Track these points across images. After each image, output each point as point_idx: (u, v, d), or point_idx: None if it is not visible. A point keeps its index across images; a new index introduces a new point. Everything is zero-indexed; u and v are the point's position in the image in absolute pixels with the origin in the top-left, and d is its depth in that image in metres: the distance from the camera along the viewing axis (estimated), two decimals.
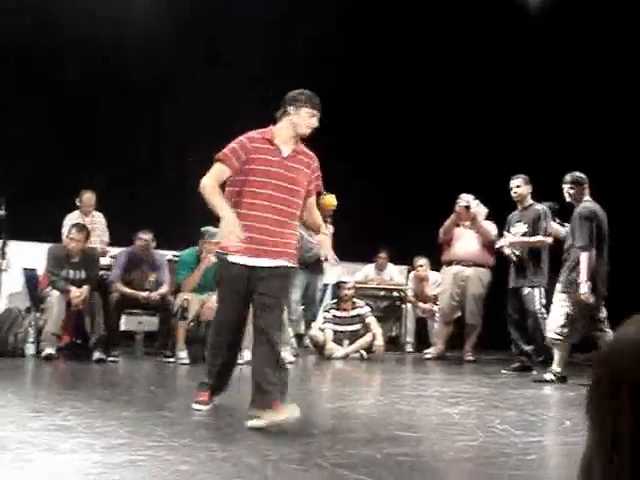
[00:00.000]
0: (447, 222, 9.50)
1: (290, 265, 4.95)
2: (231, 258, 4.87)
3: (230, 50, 10.68)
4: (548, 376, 7.44)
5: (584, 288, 7.14)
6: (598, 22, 10.65)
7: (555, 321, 7.39)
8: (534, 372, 8.15)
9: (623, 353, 0.77)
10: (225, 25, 10.69)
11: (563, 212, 8.28)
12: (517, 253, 8.37)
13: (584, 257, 7.18)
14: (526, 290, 8.37)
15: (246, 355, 8.34)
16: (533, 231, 8.39)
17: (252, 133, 4.96)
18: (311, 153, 5.04)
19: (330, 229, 9.59)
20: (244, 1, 10.83)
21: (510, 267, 8.57)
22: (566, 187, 7.51)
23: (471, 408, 5.80)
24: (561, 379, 7.39)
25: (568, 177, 7.51)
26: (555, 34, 11.16)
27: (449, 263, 9.70)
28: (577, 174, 7.51)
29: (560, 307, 7.38)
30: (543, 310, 8.20)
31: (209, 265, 8.50)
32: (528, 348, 8.43)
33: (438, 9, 11.51)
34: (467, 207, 9.25)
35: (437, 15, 11.51)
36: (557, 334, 7.38)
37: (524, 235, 8.42)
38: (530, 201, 8.52)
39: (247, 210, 4.80)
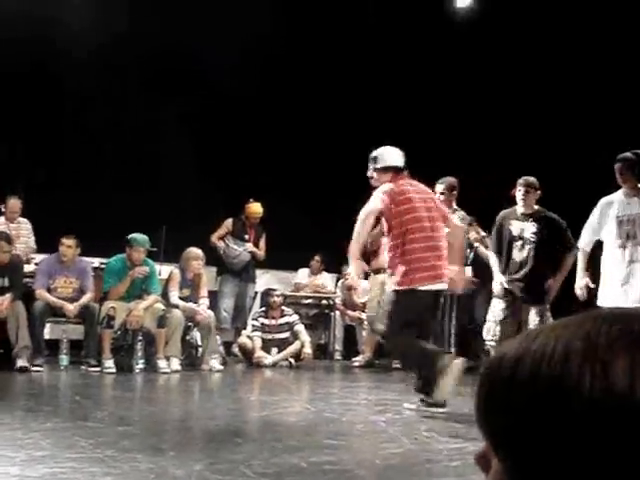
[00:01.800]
0: (374, 232, 9.54)
1: None
2: None
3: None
4: None
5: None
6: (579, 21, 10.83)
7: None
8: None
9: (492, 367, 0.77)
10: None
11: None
12: None
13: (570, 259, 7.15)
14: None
15: (173, 364, 8.30)
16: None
17: None
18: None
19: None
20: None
21: None
22: (523, 190, 7.28)
23: (397, 415, 5.84)
24: None
25: (522, 180, 7.32)
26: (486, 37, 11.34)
27: (377, 271, 9.76)
28: (531, 178, 7.36)
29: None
30: (452, 322, 8.19)
31: (139, 276, 8.43)
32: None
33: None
34: None
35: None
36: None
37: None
38: (455, 206, 8.50)
39: None
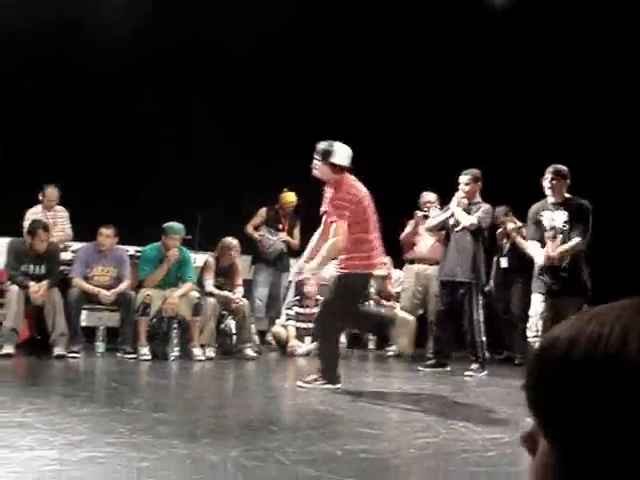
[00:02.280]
0: (407, 229, 9.51)
1: None
2: None
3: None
4: None
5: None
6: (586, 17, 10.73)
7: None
8: (448, 368, 8.18)
9: (543, 351, 0.76)
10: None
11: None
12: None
13: (578, 242, 7.06)
14: (464, 288, 8.12)
15: (208, 352, 8.34)
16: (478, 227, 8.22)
17: None
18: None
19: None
20: None
21: (444, 258, 8.40)
22: (550, 177, 7.16)
23: (432, 405, 5.83)
24: None
25: (551, 168, 7.20)
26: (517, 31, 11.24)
27: (411, 261, 9.73)
28: (560, 166, 7.22)
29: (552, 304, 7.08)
30: (481, 311, 8.09)
31: (173, 261, 8.48)
32: (447, 344, 8.38)
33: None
34: (425, 217, 9.21)
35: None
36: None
37: (463, 228, 8.20)
38: (478, 198, 8.42)
39: None
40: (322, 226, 6.64)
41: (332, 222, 6.31)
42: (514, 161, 10.24)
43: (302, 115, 10.78)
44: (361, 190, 6.44)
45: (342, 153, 6.38)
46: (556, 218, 7.25)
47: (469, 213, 8.22)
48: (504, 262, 9.65)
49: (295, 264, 10.36)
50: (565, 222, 7.21)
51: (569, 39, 10.78)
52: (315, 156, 6.41)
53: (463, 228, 8.18)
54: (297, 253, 10.39)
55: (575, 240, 7.10)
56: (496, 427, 4.96)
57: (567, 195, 7.27)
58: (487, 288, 9.89)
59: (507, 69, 11.06)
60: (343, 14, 11.27)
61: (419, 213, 9.32)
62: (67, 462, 3.46)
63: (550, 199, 7.25)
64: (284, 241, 9.94)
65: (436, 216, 8.76)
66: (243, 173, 10.22)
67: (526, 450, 0.79)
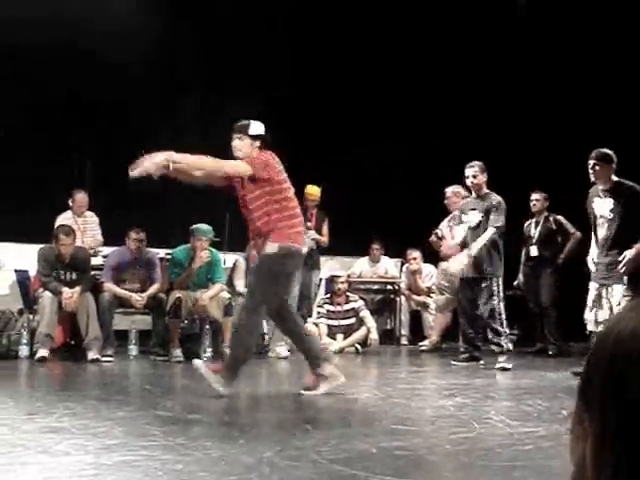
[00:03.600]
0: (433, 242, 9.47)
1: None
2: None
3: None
4: None
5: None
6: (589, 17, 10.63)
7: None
8: (482, 362, 8.13)
9: (610, 337, 0.76)
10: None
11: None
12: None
13: None
14: (487, 282, 8.04)
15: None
16: (486, 221, 8.07)
17: None
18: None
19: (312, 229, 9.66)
20: None
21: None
22: (591, 163, 7.01)
23: (466, 400, 5.79)
24: None
25: (594, 153, 7.04)
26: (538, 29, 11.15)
27: (442, 258, 9.70)
28: (605, 150, 7.05)
29: (627, 297, 6.83)
30: (502, 304, 8.00)
31: (202, 263, 8.50)
32: (474, 337, 8.33)
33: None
34: (439, 237, 9.19)
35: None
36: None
37: (478, 225, 8.11)
38: (486, 190, 8.30)
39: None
40: None
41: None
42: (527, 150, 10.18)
43: (326, 115, 10.79)
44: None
45: (259, 126, 6.12)
46: (604, 206, 7.09)
47: (479, 206, 8.15)
48: (534, 251, 9.58)
49: (325, 263, 10.41)
50: (610, 210, 7.05)
51: (573, 35, 10.69)
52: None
53: (477, 226, 8.10)
54: (326, 250, 10.41)
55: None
56: (531, 421, 4.92)
57: (615, 179, 7.06)
58: (516, 282, 9.85)
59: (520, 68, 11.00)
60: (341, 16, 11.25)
61: (433, 237, 9.22)
62: (103, 466, 3.48)
63: (599, 186, 7.10)
64: (313, 239, 9.92)
65: (455, 232, 8.74)
66: None
67: (574, 437, 0.78)
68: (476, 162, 8.21)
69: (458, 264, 8.04)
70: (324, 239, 9.91)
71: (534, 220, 9.68)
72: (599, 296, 7.06)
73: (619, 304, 6.81)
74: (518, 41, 11.06)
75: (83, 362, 7.80)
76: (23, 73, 9.85)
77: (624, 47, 10.52)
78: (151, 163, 5.72)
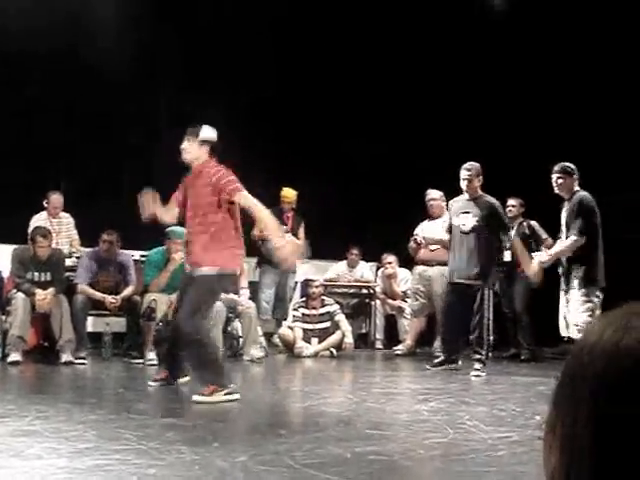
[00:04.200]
0: (411, 249, 9.39)
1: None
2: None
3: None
4: None
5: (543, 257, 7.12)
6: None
7: (578, 317, 6.97)
8: (459, 363, 8.17)
9: (584, 351, 0.76)
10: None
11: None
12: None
13: (573, 241, 7.05)
14: (478, 289, 7.99)
15: None
16: (486, 225, 8.07)
17: None
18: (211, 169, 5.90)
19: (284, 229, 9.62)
20: None
21: (455, 260, 8.25)
22: (555, 177, 7.22)
23: (441, 405, 5.81)
24: None
25: (557, 167, 7.25)
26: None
27: (416, 262, 9.73)
28: (567, 164, 7.26)
29: (581, 304, 7.02)
30: (491, 311, 8.04)
31: (177, 265, 8.46)
32: (455, 342, 8.34)
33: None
34: (418, 243, 9.14)
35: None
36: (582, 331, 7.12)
37: (473, 230, 8.11)
38: (480, 192, 8.29)
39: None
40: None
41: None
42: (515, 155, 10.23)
43: (308, 118, 10.80)
44: None
45: (211, 131, 6.06)
46: (563, 215, 7.29)
47: (473, 209, 8.15)
48: (507, 256, 9.62)
49: (300, 266, 10.39)
50: (564, 217, 7.25)
51: (566, 35, 10.76)
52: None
53: (470, 231, 8.10)
54: (302, 253, 10.40)
55: (570, 239, 7.11)
56: (505, 426, 4.94)
57: (575, 189, 7.24)
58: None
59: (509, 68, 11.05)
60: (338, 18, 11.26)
61: (412, 243, 9.15)
62: (76, 470, 3.45)
63: (565, 197, 7.29)
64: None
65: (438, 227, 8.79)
66: (247, 175, 10.17)
67: (546, 445, 0.79)
68: (472, 164, 8.19)
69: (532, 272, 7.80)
70: (300, 242, 9.88)
71: (515, 227, 9.73)
72: (566, 301, 7.21)
73: (577, 309, 7.01)
74: (496, 46, 11.11)
75: (56, 364, 7.75)
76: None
77: (595, 55, 10.61)
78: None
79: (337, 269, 11.08)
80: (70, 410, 5.08)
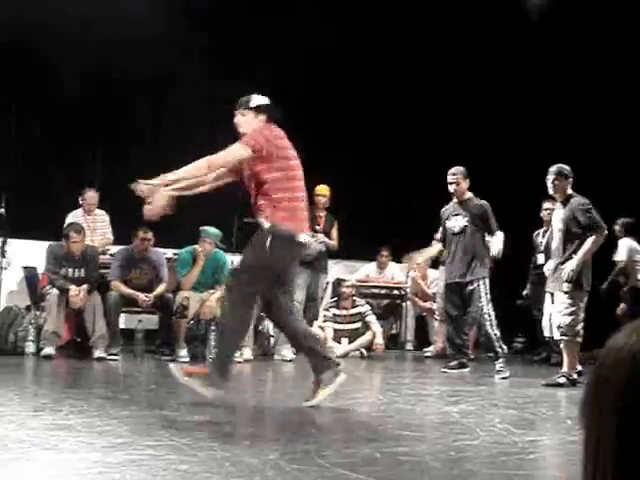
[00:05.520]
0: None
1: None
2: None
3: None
4: (561, 380, 7.17)
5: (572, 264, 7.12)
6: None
7: (562, 319, 7.17)
8: (468, 368, 8.21)
9: (609, 356, 0.77)
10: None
11: None
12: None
13: (594, 239, 7.11)
14: (473, 285, 8.10)
15: (245, 353, 8.37)
16: (475, 226, 8.16)
17: None
18: None
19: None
20: None
21: (449, 261, 8.37)
22: (551, 178, 7.35)
23: (471, 407, 5.80)
24: (572, 382, 7.14)
25: (553, 169, 7.38)
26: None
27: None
28: (562, 166, 7.38)
29: (566, 307, 7.15)
30: (490, 305, 8.07)
31: (206, 261, 8.52)
32: (462, 344, 8.38)
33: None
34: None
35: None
36: (565, 333, 7.18)
37: (463, 230, 8.18)
38: (468, 194, 8.34)
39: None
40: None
41: None
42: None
43: (341, 116, 10.81)
44: None
45: (261, 98, 5.66)
46: (556, 218, 7.46)
47: (463, 211, 8.25)
48: (541, 259, 9.58)
49: (332, 266, 10.40)
50: (561, 220, 7.36)
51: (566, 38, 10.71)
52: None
53: (461, 232, 8.20)
54: (334, 254, 10.40)
55: (591, 239, 7.16)
56: (535, 429, 4.93)
57: (569, 192, 7.37)
58: (525, 291, 9.87)
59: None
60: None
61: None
62: (108, 465, 3.50)
63: (558, 199, 7.45)
64: (322, 242, 9.90)
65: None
66: None
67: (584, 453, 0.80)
68: (457, 168, 8.31)
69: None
70: (334, 242, 9.78)
71: (543, 229, 9.68)
72: (552, 302, 7.50)
73: (561, 311, 7.19)
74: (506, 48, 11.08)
75: (89, 360, 7.84)
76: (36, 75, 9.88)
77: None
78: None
79: (367, 270, 11.08)
80: (103, 405, 5.14)
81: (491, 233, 8.16)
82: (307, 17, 10.54)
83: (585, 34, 10.66)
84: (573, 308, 7.12)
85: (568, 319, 7.10)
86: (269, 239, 5.27)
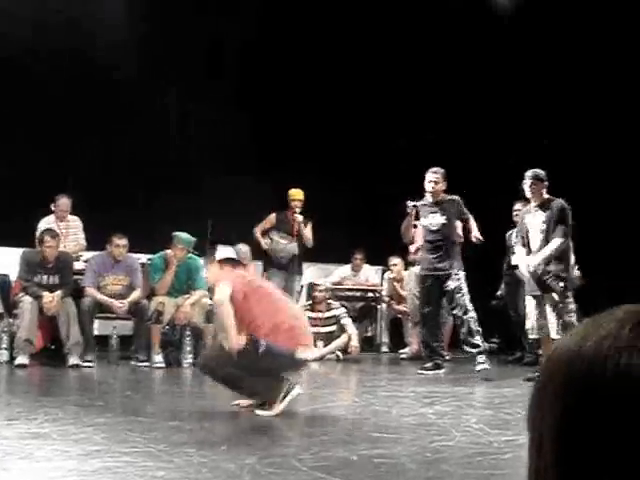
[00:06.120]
0: (403, 224, 9.29)
1: None
2: None
3: None
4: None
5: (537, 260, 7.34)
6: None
7: (567, 319, 7.26)
8: (444, 370, 8.25)
9: (551, 358, 0.79)
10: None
11: None
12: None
13: (560, 243, 7.34)
14: (454, 282, 8.13)
15: None
16: (451, 223, 8.29)
17: None
18: None
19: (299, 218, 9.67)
20: None
21: (427, 253, 8.42)
22: (528, 182, 7.56)
23: (447, 408, 5.83)
24: None
25: (530, 173, 7.60)
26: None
27: (412, 264, 9.76)
28: (538, 171, 7.61)
29: (564, 303, 7.35)
30: (468, 297, 8.12)
31: (178, 267, 8.49)
32: (436, 345, 8.44)
33: None
34: (414, 206, 9.11)
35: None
36: (542, 332, 7.38)
37: (443, 226, 8.26)
38: (442, 195, 8.42)
39: None
40: None
41: None
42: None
43: (311, 122, 10.81)
44: None
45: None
46: (534, 220, 7.63)
47: (440, 210, 8.32)
48: (514, 260, 9.64)
49: (306, 269, 10.41)
50: (543, 222, 7.55)
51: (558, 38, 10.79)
52: None
53: (439, 229, 8.30)
54: (308, 257, 10.41)
55: (554, 241, 7.43)
56: (511, 429, 4.96)
57: (545, 196, 7.63)
58: (499, 292, 9.92)
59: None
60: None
61: (409, 203, 9.05)
62: (84, 472, 3.48)
63: (532, 203, 7.67)
64: (298, 238, 9.87)
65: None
66: (255, 178, 10.20)
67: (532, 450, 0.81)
68: (438, 169, 8.41)
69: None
70: (308, 236, 9.86)
71: (515, 230, 9.73)
72: (538, 305, 7.55)
73: (552, 311, 7.35)
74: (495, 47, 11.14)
75: (63, 367, 7.78)
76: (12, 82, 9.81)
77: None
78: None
79: (341, 273, 11.08)
80: (78, 413, 5.11)
81: (467, 221, 8.33)
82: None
83: (553, 36, 10.76)
84: (572, 306, 7.35)
85: (574, 317, 7.27)
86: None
